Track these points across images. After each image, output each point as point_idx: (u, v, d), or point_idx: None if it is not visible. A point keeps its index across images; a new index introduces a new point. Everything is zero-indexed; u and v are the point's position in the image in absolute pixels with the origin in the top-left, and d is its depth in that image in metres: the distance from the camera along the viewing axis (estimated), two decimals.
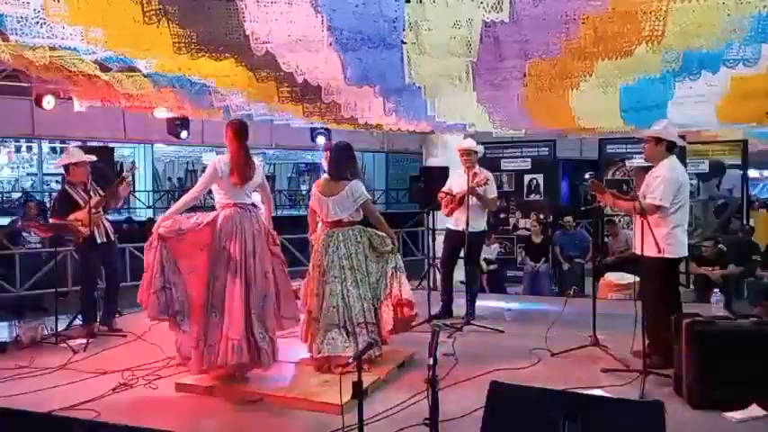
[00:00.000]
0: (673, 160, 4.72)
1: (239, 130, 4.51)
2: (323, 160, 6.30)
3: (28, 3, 3.46)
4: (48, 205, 14.02)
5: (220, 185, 4.43)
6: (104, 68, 5.12)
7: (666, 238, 4.52)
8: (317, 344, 4.55)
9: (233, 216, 4.39)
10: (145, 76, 5.34)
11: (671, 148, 4.72)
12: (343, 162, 4.78)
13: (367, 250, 4.70)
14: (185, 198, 4.51)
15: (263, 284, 4.39)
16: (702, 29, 3.79)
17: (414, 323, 4.86)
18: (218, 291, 4.30)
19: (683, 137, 4.89)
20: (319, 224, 4.91)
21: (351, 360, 2.92)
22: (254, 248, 4.39)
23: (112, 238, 6.03)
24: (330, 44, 4.05)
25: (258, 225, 4.50)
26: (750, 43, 3.98)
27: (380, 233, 4.79)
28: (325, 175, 4.90)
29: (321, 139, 10.76)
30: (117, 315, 6.29)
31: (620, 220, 8.89)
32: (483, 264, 8.45)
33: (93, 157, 6.06)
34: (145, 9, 3.54)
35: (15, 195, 19.77)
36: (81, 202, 5.77)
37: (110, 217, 6.40)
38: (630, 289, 7.63)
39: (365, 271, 4.66)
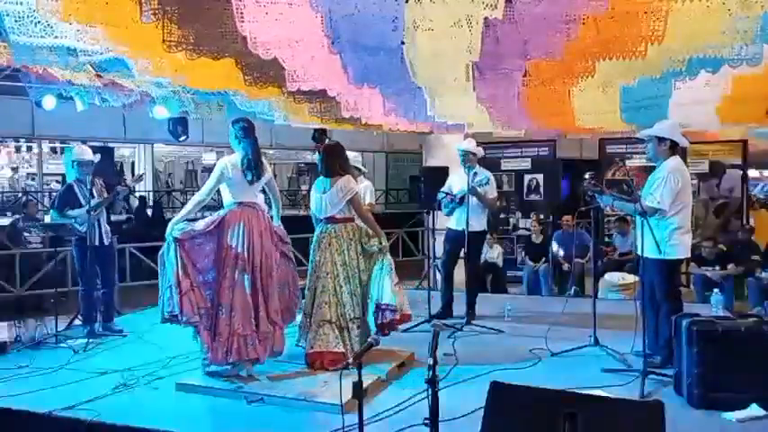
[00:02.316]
0: (676, 160, 4.67)
1: (252, 125, 4.62)
2: None
3: (21, 2, 3.46)
4: (47, 206, 14.02)
5: (229, 185, 4.48)
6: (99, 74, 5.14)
7: (666, 239, 4.52)
8: (309, 339, 4.62)
9: (240, 214, 4.46)
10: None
11: (674, 147, 4.67)
12: (331, 159, 4.87)
13: (359, 247, 4.76)
14: (194, 200, 4.53)
15: (268, 282, 4.49)
16: (705, 29, 3.78)
17: (398, 326, 4.78)
18: (225, 289, 4.35)
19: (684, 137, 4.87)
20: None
21: (351, 360, 2.93)
22: (262, 246, 4.48)
23: (105, 243, 5.98)
24: (330, 45, 4.05)
25: (265, 223, 4.58)
26: (755, 43, 3.97)
27: (370, 233, 4.83)
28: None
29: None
30: (116, 315, 6.30)
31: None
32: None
33: (97, 156, 6.15)
34: (143, 8, 3.54)
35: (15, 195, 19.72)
36: (83, 201, 5.81)
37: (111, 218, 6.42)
38: (631, 289, 7.62)
39: (356, 267, 4.71)
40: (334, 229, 4.75)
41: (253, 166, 4.48)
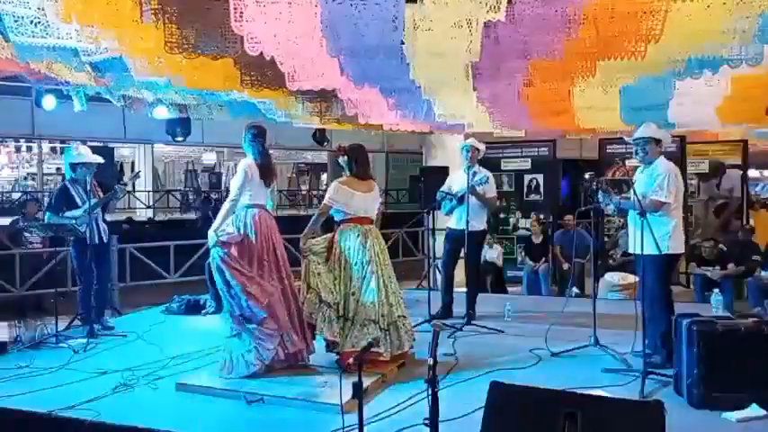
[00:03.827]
0: (667, 160, 4.91)
1: (263, 131, 4.73)
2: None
3: (28, 2, 3.46)
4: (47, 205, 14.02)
5: (249, 186, 4.53)
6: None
7: (669, 234, 4.65)
8: (350, 338, 4.56)
9: (263, 217, 4.54)
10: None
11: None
12: (364, 161, 4.97)
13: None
14: (226, 206, 4.51)
15: (291, 281, 4.60)
16: (705, 29, 3.78)
17: None
18: (262, 291, 4.41)
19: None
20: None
21: (351, 360, 2.93)
22: (281, 249, 4.63)
23: (104, 241, 5.99)
24: (329, 45, 4.05)
25: (276, 226, 4.67)
26: (755, 43, 3.97)
27: None
28: (345, 175, 4.94)
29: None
30: (116, 315, 6.29)
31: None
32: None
33: (100, 159, 6.15)
34: (143, 8, 3.54)
35: (15, 195, 19.72)
36: (78, 201, 5.81)
37: (108, 217, 6.42)
38: (631, 289, 7.62)
39: (391, 267, 4.84)
40: (371, 229, 4.81)
41: (264, 169, 4.58)
